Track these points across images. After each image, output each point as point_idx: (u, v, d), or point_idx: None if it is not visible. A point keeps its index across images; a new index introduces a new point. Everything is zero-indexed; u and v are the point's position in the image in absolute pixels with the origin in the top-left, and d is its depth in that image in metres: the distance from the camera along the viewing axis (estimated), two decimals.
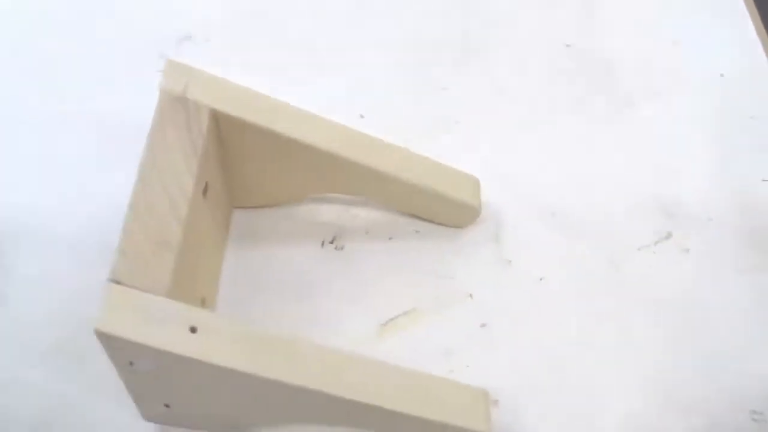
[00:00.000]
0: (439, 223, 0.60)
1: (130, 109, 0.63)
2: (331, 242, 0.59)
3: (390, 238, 0.60)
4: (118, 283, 0.43)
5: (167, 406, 0.49)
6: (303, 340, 0.47)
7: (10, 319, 0.55)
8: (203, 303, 0.52)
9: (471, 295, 0.57)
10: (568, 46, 0.74)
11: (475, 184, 0.60)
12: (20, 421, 0.51)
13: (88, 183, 0.61)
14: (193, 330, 0.44)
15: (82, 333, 0.52)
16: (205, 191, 0.51)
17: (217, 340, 0.44)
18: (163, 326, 0.43)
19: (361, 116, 0.65)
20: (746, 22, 0.76)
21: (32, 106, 0.66)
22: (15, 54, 0.70)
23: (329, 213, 0.61)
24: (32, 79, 0.68)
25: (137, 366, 0.44)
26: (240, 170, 0.56)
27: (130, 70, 0.68)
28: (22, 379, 0.53)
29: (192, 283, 0.50)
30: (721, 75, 0.72)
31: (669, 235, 0.62)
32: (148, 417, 0.51)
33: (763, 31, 0.76)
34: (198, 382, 0.46)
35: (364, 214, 0.61)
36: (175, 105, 0.50)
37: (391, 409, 0.46)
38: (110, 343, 0.42)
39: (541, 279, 0.59)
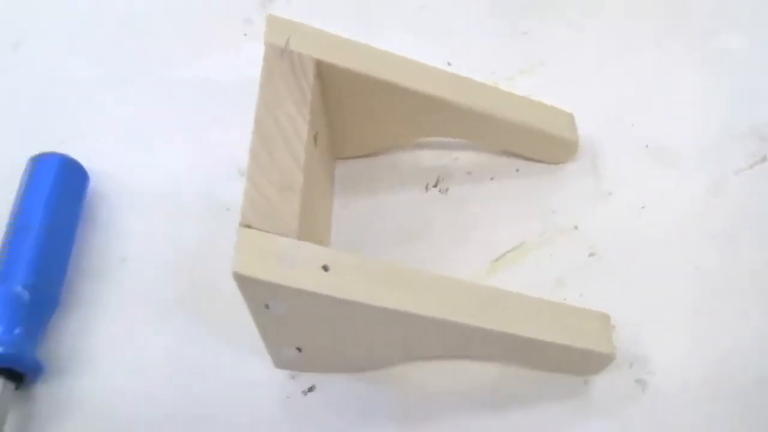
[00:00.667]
0: (539, 160, 0.61)
1: (229, 70, 0.66)
2: (435, 186, 0.60)
3: (492, 179, 0.61)
4: (248, 227, 0.45)
5: (299, 349, 0.50)
6: (431, 272, 0.48)
7: (131, 278, 0.57)
8: None
9: (576, 227, 0.58)
10: None
11: (571, 118, 0.61)
12: (152, 375, 0.53)
13: (200, 142, 0.63)
14: (325, 268, 0.45)
15: (204, 289, 0.55)
16: (315, 140, 0.53)
17: (350, 276, 0.45)
18: (296, 266, 0.44)
19: (449, 63, 0.66)
20: None
21: (139, 72, 0.68)
22: (120, 28, 0.72)
23: (430, 158, 0.62)
24: (133, 48, 0.70)
25: (272, 308, 0.46)
26: (342, 120, 0.57)
27: (219, 36, 0.70)
28: (149, 336, 0.55)
29: (314, 229, 0.52)
30: None
31: (764, 158, 0.62)
32: (280, 364, 0.52)
33: None
34: (332, 320, 0.47)
35: (465, 157, 0.62)
36: (280, 57, 0.51)
37: (524, 335, 0.47)
38: (247, 285, 0.44)
39: (642, 207, 0.59)
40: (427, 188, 0.60)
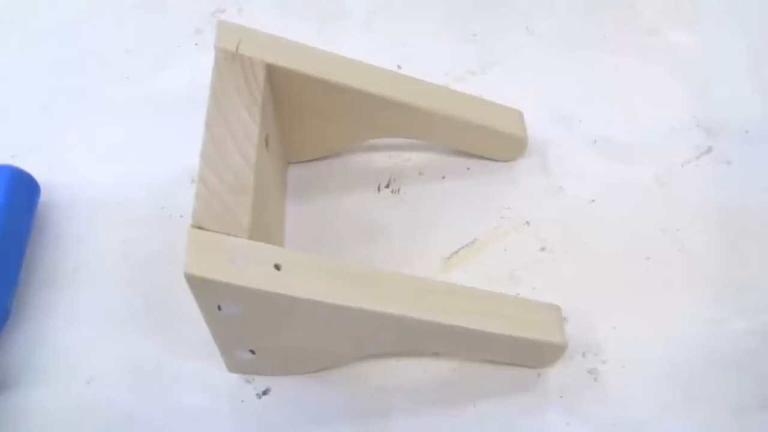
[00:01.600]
0: (490, 158, 0.62)
1: (180, 80, 0.66)
2: (387, 186, 0.61)
3: (443, 177, 0.61)
4: (200, 228, 0.45)
5: (253, 352, 0.50)
6: (385, 270, 0.48)
7: (84, 287, 0.57)
8: None
9: (528, 222, 0.59)
10: None
11: (520, 116, 0.62)
12: (108, 385, 0.53)
13: (152, 151, 0.63)
14: (277, 267, 0.45)
15: (158, 296, 0.55)
16: (267, 142, 0.53)
17: (302, 275, 0.45)
18: (248, 266, 0.44)
19: (399, 67, 0.67)
20: None
21: (92, 85, 0.68)
22: (70, 43, 0.71)
23: (382, 159, 0.62)
24: (84, 62, 0.70)
25: (225, 309, 0.46)
26: (294, 124, 0.58)
27: (171, 47, 0.70)
28: (103, 344, 0.54)
29: (266, 231, 0.52)
30: None
31: (710, 150, 0.64)
32: (234, 368, 0.52)
33: None
34: (285, 320, 0.47)
35: (417, 157, 0.62)
36: (231, 61, 0.52)
37: (476, 328, 0.48)
38: (199, 286, 0.44)
39: (592, 201, 0.60)
40: (379, 189, 0.61)
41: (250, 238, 0.46)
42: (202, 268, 0.43)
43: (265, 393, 0.52)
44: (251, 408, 0.52)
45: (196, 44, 0.69)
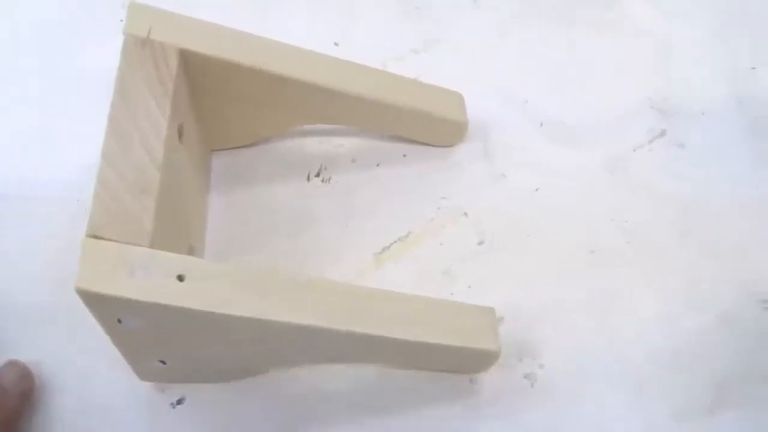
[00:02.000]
0: (427, 144, 0.58)
1: (102, 63, 0.61)
2: (317, 175, 0.57)
3: (378, 165, 0.58)
4: (96, 237, 0.41)
5: (163, 362, 0.47)
6: (299, 274, 0.45)
7: None
8: (191, 251, 0.51)
9: (466, 214, 0.56)
10: None
11: (460, 99, 0.58)
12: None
13: (63, 140, 0.59)
14: (180, 278, 0.42)
15: (66, 299, 0.51)
16: (180, 134, 0.49)
17: (206, 285, 0.42)
18: (148, 277, 0.41)
19: (336, 44, 0.63)
20: None
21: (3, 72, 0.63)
22: None
23: (312, 145, 0.58)
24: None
25: (126, 323, 0.42)
26: (214, 110, 0.54)
27: (94, 25, 0.65)
28: (11, 344, 0.51)
29: (177, 231, 0.48)
30: None
31: (663, 133, 0.60)
32: (145, 376, 0.49)
33: None
34: (192, 332, 0.44)
35: (349, 143, 0.59)
36: (140, 48, 0.48)
37: (398, 338, 0.45)
38: (93, 301, 0.40)
39: (536, 190, 0.57)
40: (309, 178, 0.57)
41: (155, 243, 0.42)
42: (95, 282, 0.40)
43: (179, 402, 0.49)
44: (165, 418, 0.49)
45: (122, 20, 0.65)
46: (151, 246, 0.42)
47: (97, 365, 0.50)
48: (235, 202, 0.56)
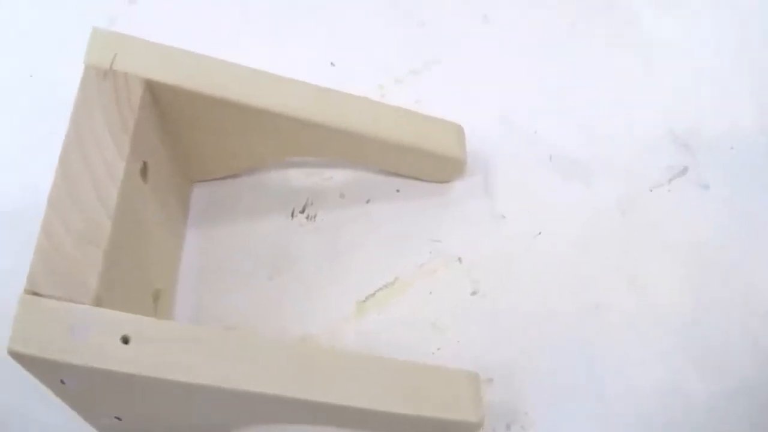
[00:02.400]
0: (422, 180, 0.54)
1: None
2: (302, 211, 0.53)
3: (368, 201, 0.53)
4: (34, 293, 0.38)
5: (118, 419, 0.44)
6: (257, 336, 0.41)
7: None
8: (158, 296, 0.47)
9: (460, 259, 0.51)
10: None
11: (459, 132, 0.54)
12: None
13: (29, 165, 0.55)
14: (125, 340, 0.38)
15: None
16: (144, 173, 0.46)
17: (152, 348, 0.38)
18: (89, 339, 0.38)
19: (332, 64, 0.58)
20: None
21: None
22: None
23: (298, 178, 0.54)
24: None
25: (69, 384, 0.39)
26: (189, 142, 0.50)
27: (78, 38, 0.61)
28: None
29: (138, 277, 0.45)
30: None
31: (685, 170, 0.55)
32: (102, 429, 0.46)
33: None
34: (142, 394, 0.41)
35: (339, 176, 0.54)
36: (101, 79, 0.44)
37: (365, 408, 0.41)
38: (28, 363, 0.37)
39: (539, 233, 0.52)
40: (293, 214, 0.53)
41: (102, 301, 0.39)
42: (30, 345, 0.37)
43: None
44: None
45: None
46: (99, 301, 0.39)
47: (50, 409, 0.46)
48: (213, 238, 0.52)
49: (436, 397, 0.43)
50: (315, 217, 0.53)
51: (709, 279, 0.51)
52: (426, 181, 0.54)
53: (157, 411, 0.43)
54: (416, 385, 0.43)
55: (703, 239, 0.52)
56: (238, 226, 0.52)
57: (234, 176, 0.54)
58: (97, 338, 0.38)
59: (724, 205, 0.54)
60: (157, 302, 0.47)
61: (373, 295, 0.50)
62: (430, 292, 0.50)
